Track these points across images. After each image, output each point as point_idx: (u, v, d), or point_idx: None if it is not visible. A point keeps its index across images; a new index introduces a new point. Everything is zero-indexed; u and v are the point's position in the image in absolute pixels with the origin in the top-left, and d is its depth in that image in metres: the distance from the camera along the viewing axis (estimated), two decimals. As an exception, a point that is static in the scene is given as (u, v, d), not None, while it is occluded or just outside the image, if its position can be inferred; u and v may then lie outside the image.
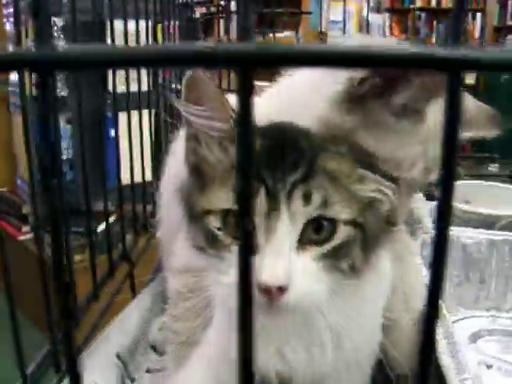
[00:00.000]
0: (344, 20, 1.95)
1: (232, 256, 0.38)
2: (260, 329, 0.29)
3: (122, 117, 0.88)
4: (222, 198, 0.38)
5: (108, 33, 0.83)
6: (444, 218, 0.17)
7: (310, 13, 3.26)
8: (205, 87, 0.38)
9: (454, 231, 0.70)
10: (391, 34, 5.64)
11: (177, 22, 1.21)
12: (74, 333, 0.21)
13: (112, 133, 1.52)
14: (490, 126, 0.51)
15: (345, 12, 1.93)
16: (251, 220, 0.17)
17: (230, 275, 0.38)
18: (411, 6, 5.40)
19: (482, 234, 0.70)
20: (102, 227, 1.06)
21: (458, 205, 0.99)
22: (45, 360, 0.46)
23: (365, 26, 3.26)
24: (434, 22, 5.43)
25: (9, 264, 0.43)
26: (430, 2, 5.42)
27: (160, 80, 1.16)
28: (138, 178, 0.92)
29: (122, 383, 0.54)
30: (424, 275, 0.54)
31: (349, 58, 0.14)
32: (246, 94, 0.14)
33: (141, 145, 0.90)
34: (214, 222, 0.39)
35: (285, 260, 0.36)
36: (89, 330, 0.58)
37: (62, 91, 1.70)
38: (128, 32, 0.88)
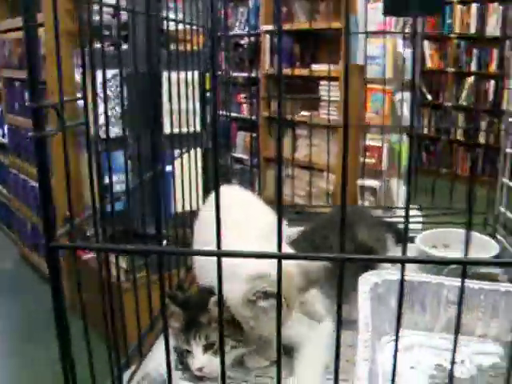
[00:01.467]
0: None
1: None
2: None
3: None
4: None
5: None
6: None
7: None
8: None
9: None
10: (431, 61, 5.87)
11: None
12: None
13: (168, 168, 1.88)
14: None
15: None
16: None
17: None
18: (451, 35, 5.60)
19: (423, 277, 1.02)
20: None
21: (427, 249, 1.30)
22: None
23: (401, 60, 3.54)
24: (474, 50, 5.61)
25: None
26: (468, 29, 5.60)
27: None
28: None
29: (176, 364, 0.90)
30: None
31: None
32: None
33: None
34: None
35: (201, 361, 0.90)
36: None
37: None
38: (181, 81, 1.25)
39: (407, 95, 3.42)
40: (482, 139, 5.59)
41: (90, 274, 2.79)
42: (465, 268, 0.45)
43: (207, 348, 0.92)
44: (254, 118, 4.55)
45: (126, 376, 0.81)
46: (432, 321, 1.02)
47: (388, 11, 1.33)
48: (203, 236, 1.02)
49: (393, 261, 0.49)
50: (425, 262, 0.81)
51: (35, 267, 3.55)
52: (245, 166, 4.86)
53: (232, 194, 1.14)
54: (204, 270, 0.98)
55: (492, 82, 5.55)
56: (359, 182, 3.41)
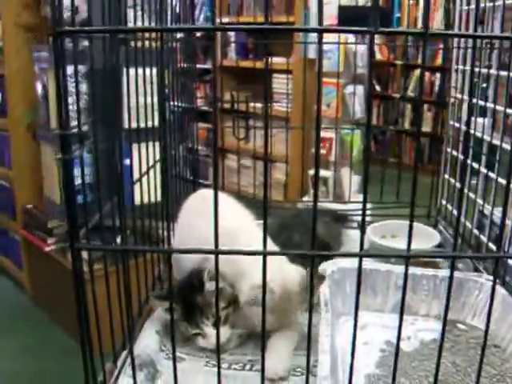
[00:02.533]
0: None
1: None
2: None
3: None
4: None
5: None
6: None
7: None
8: None
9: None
10: (381, 54, 6.07)
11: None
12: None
13: (127, 162, 1.92)
14: None
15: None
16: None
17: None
18: (400, 29, 5.80)
19: (374, 266, 1.16)
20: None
21: (377, 240, 1.44)
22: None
23: (350, 55, 3.67)
24: (421, 43, 5.84)
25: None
26: (416, 24, 5.82)
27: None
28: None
29: (160, 346, 1.01)
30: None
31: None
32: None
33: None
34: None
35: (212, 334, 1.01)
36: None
37: (83, 126, 2.13)
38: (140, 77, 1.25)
39: (357, 88, 3.58)
40: (427, 128, 5.85)
41: (54, 266, 2.83)
42: (407, 261, 0.58)
43: (215, 323, 0.99)
44: (208, 108, 4.63)
45: (122, 356, 0.92)
46: (382, 303, 1.16)
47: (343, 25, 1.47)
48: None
49: (352, 255, 0.61)
50: (376, 255, 0.94)
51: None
52: (198, 156, 4.92)
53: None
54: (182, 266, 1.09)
55: (438, 75, 5.81)
56: (310, 172, 3.56)
